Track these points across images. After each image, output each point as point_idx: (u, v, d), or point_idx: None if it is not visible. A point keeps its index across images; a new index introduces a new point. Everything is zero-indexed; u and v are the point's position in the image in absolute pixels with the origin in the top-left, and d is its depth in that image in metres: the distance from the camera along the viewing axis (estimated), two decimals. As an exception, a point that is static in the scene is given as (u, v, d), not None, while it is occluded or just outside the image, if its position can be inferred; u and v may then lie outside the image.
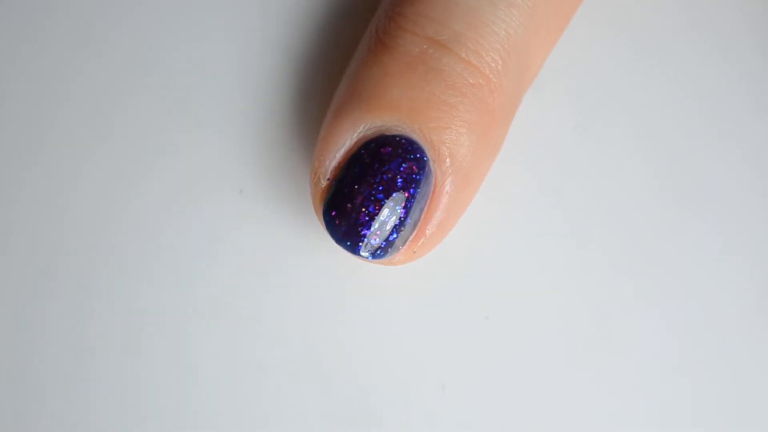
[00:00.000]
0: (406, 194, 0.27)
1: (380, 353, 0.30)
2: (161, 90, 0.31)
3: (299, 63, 0.31)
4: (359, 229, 0.27)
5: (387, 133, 0.27)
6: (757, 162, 0.30)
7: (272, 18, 0.31)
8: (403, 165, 0.27)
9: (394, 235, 0.27)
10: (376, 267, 0.30)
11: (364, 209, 0.27)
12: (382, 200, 0.27)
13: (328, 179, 0.27)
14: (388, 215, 0.27)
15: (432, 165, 0.27)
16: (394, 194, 0.27)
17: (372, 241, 0.27)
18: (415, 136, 0.27)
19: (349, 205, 0.27)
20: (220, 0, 0.31)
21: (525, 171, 0.30)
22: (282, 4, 0.31)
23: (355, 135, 0.27)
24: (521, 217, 0.30)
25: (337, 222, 0.27)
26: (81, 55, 0.31)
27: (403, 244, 0.27)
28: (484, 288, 0.30)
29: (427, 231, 0.27)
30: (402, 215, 0.27)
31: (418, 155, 0.27)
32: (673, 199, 0.30)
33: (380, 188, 0.27)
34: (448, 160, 0.27)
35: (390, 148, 0.27)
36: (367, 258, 0.27)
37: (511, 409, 0.30)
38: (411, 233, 0.27)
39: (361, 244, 0.27)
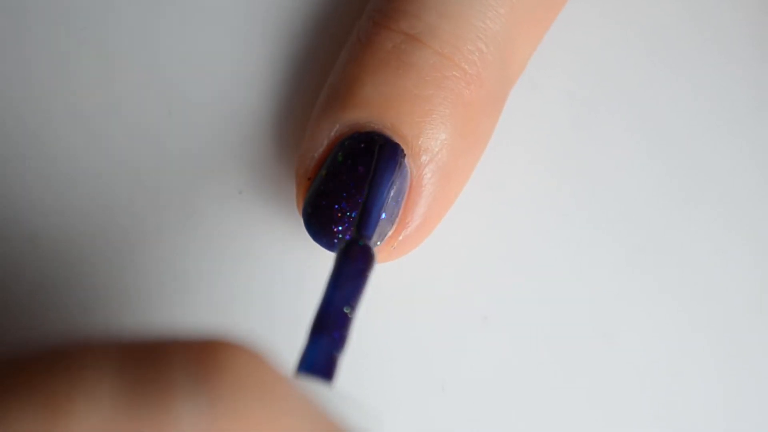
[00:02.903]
0: (381, 190, 0.26)
1: (380, 353, 0.30)
2: (161, 90, 0.31)
3: (299, 64, 0.31)
4: (332, 226, 0.26)
5: (361, 130, 0.27)
6: (758, 160, 0.29)
7: (273, 18, 0.31)
8: (376, 160, 0.26)
9: None
10: (376, 267, 0.30)
11: (337, 206, 0.26)
12: (355, 196, 0.26)
13: (309, 178, 0.27)
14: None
15: (407, 160, 0.27)
16: (366, 190, 0.26)
17: (346, 238, 0.27)
18: (388, 131, 0.26)
19: (323, 202, 0.27)
20: (221, 1, 0.31)
21: (523, 170, 0.30)
22: (283, 5, 0.31)
23: (332, 133, 0.27)
24: (520, 215, 0.30)
25: (312, 220, 0.27)
26: (81, 55, 0.31)
27: (381, 240, 0.27)
28: (484, 288, 0.30)
29: (408, 226, 0.27)
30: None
31: (391, 150, 0.26)
32: (673, 195, 0.29)
33: (352, 185, 0.26)
34: (422, 154, 0.27)
35: (363, 145, 0.26)
36: (344, 255, 0.27)
37: (511, 409, 0.29)
38: (389, 229, 0.27)
39: (335, 240, 0.27)
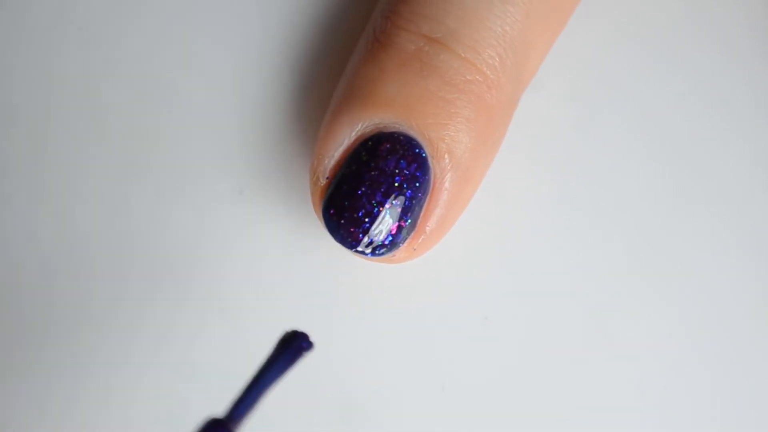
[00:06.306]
0: (405, 191, 0.27)
1: (380, 353, 0.30)
2: (161, 90, 0.31)
3: (299, 63, 0.31)
4: (358, 226, 0.27)
5: (385, 131, 0.27)
6: (760, 160, 0.30)
7: (272, 18, 0.31)
8: (402, 162, 0.27)
9: (394, 232, 0.27)
10: (376, 266, 0.30)
11: (362, 207, 0.27)
12: (380, 197, 0.27)
13: (327, 178, 0.27)
14: (386, 212, 0.27)
15: (431, 161, 0.27)
16: (392, 191, 0.27)
17: (372, 238, 0.27)
18: (413, 133, 0.27)
19: (347, 202, 0.27)
20: (221, 0, 0.31)
21: (525, 171, 0.30)
22: (282, 5, 0.31)
23: (353, 133, 0.27)
24: (521, 216, 0.30)
25: (335, 219, 0.27)
26: (81, 55, 0.31)
27: (403, 241, 0.27)
28: (484, 288, 0.30)
29: (427, 228, 0.27)
30: (401, 212, 0.27)
31: (416, 151, 0.27)
32: (674, 198, 0.30)
33: (378, 185, 0.27)
34: (446, 156, 0.27)
35: (388, 145, 0.27)
36: (368, 255, 0.27)
37: (510, 409, 0.30)
38: (411, 230, 0.27)
39: (359, 241, 0.27)
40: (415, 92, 0.27)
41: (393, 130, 0.27)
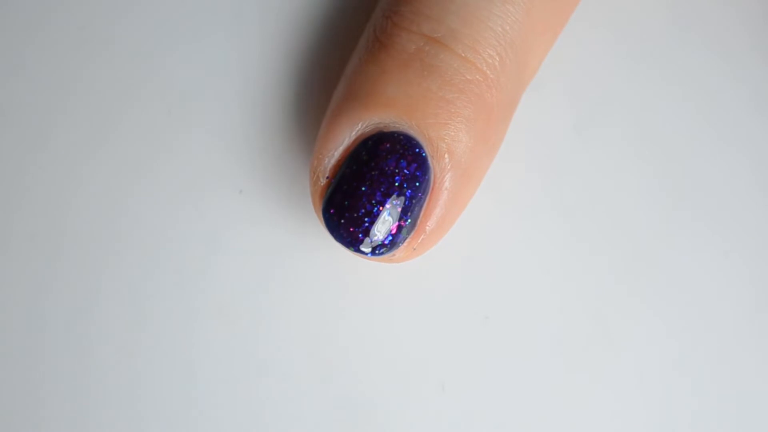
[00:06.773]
0: (405, 191, 0.27)
1: (380, 353, 0.30)
2: (161, 90, 0.31)
3: (299, 63, 0.31)
4: (358, 226, 0.27)
5: (385, 130, 0.27)
6: (756, 162, 0.30)
7: (272, 18, 0.31)
8: (402, 161, 0.27)
9: (394, 232, 0.27)
10: (376, 266, 0.30)
11: (362, 206, 0.27)
12: (380, 197, 0.27)
13: (327, 177, 0.27)
14: (387, 212, 0.27)
15: (431, 161, 0.27)
16: (392, 191, 0.27)
17: (372, 238, 0.27)
18: (413, 133, 0.27)
19: (347, 202, 0.27)
20: (220, 0, 0.31)
21: (524, 171, 0.30)
22: (282, 5, 0.31)
23: (354, 133, 0.27)
24: (521, 216, 0.30)
25: (336, 219, 0.27)
26: (81, 55, 0.31)
27: (403, 240, 0.27)
28: (484, 288, 0.30)
29: (427, 227, 0.27)
30: (401, 212, 0.27)
31: (416, 151, 0.27)
32: (672, 199, 0.30)
33: (378, 185, 0.27)
34: (446, 156, 0.27)
35: (388, 145, 0.27)
36: (368, 255, 0.27)
37: (510, 409, 0.30)
38: (411, 230, 0.27)
39: (360, 240, 0.27)
40: (415, 92, 0.27)
41: (393, 129, 0.27)
